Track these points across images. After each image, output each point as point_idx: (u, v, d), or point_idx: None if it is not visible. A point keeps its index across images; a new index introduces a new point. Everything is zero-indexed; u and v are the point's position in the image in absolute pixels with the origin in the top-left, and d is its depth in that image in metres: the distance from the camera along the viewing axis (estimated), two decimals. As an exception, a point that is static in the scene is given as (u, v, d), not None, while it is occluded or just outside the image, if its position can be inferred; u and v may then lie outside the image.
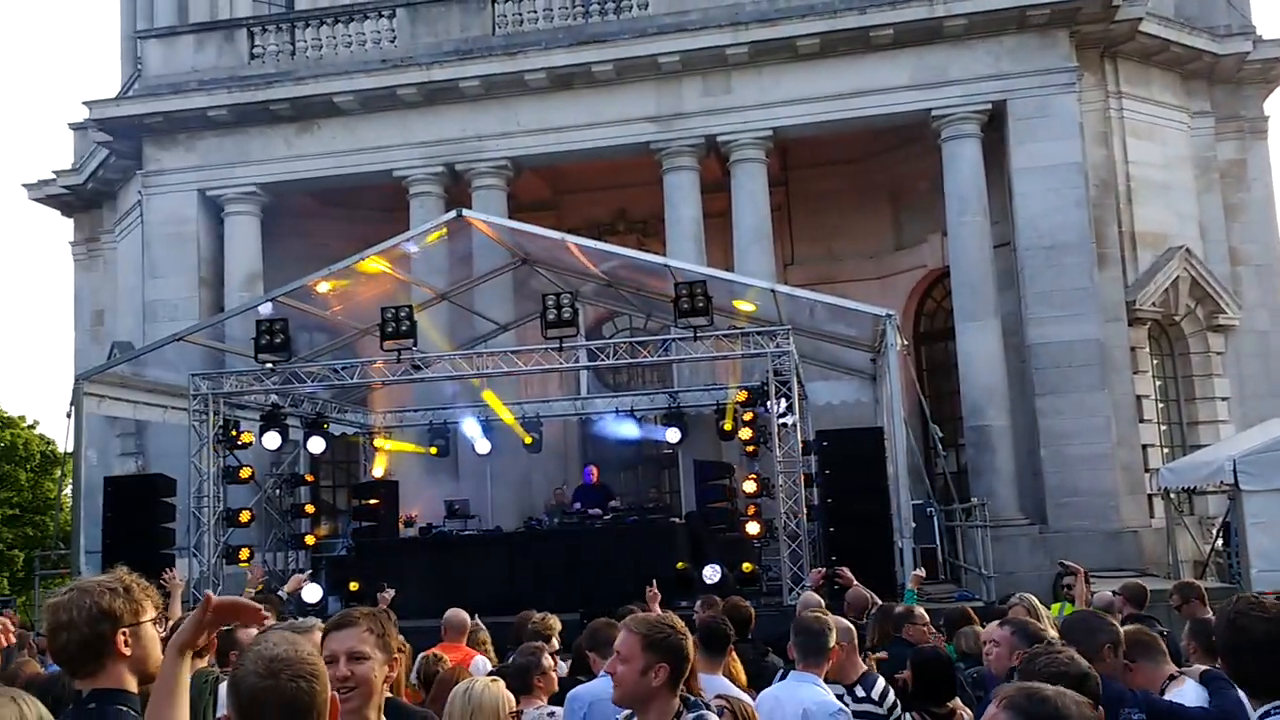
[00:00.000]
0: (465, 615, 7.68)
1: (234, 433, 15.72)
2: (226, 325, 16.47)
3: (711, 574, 13.67)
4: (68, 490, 22.13)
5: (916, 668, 5.69)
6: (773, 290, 14.72)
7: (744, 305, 15.19)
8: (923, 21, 18.47)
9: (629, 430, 19.19)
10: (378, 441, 19.48)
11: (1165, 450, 19.66)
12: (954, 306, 19.01)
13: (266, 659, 2.32)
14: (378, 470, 18.97)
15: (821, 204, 21.88)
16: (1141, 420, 19.13)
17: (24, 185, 25.56)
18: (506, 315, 19.08)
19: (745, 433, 16.69)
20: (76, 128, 25.38)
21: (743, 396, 17.03)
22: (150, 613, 2.82)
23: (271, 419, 16.40)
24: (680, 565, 13.72)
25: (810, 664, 5.10)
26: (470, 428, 18.91)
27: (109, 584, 2.77)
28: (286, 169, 20.48)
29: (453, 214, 15.03)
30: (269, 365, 14.89)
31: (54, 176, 25.26)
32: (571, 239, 15.37)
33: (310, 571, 14.57)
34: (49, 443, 35.77)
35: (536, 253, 16.88)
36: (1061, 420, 17.96)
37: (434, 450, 19.36)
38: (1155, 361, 20.19)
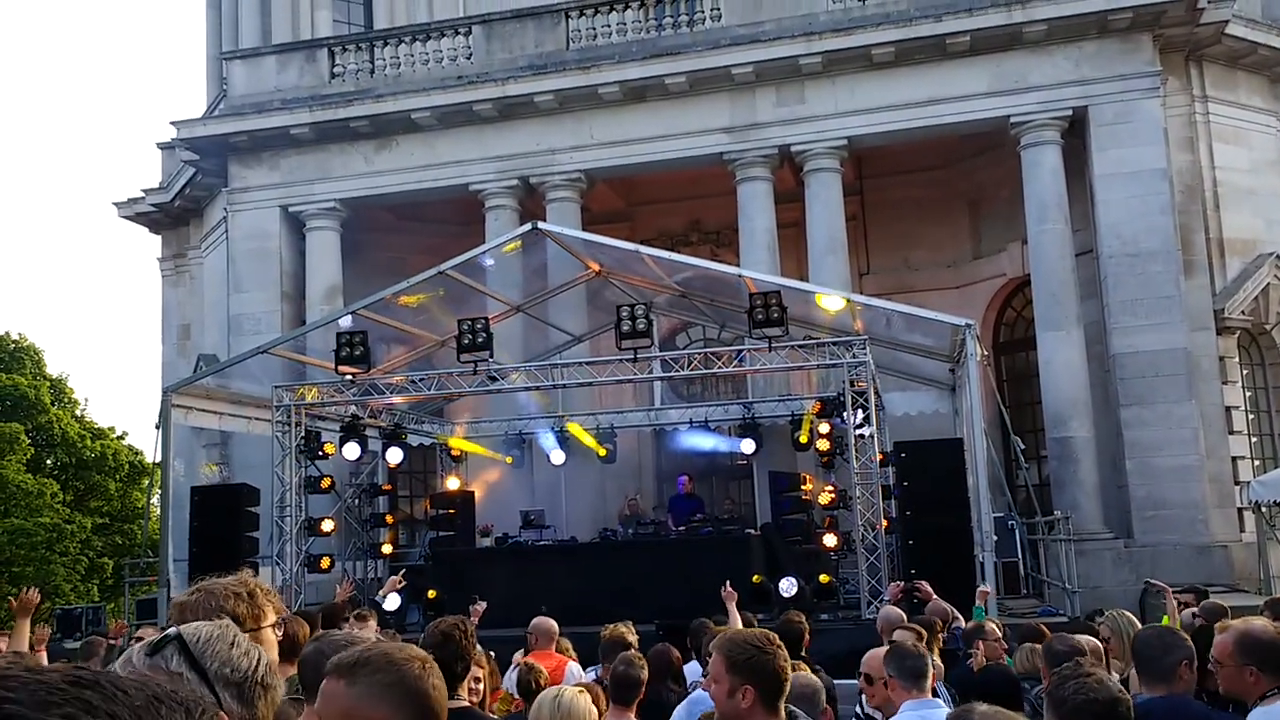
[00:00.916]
0: (553, 622, 7.73)
1: (316, 443, 16.02)
2: (308, 337, 16.81)
3: (788, 587, 13.56)
4: (155, 499, 22.73)
5: (981, 687, 5.57)
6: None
7: (831, 303, 14.91)
8: (1001, 28, 18.22)
9: (703, 441, 19.17)
10: (453, 441, 19.66)
11: (1256, 463, 19.07)
12: (1035, 315, 18.68)
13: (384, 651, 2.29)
14: (453, 483, 19.19)
15: (898, 213, 21.65)
16: (1231, 432, 18.60)
17: (114, 204, 26.32)
18: (581, 327, 19.19)
19: (822, 444, 16.56)
20: (164, 147, 26.08)
21: (818, 407, 16.91)
22: (270, 618, 2.80)
23: (351, 430, 16.70)
24: (756, 578, 13.64)
25: (919, 689, 4.92)
26: (545, 438, 19.06)
27: (234, 588, 2.77)
28: (366, 184, 20.86)
29: (528, 227, 15.18)
30: (349, 377, 15.16)
31: (142, 195, 25.99)
32: (646, 250, 15.43)
33: (405, 570, 14.79)
34: (137, 453, 36.73)
35: (610, 264, 16.96)
36: (1147, 431, 17.54)
37: (509, 460, 19.56)
38: (1245, 371, 19.63)
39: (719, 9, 19.55)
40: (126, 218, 26.29)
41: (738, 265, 17.72)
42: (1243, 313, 18.94)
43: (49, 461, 34.33)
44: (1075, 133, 18.51)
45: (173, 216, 25.64)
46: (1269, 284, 19.17)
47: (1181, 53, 19.19)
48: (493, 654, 6.43)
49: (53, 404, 34.61)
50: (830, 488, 15.42)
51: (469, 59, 20.56)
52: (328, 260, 21.15)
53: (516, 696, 6.28)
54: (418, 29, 21.54)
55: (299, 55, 21.60)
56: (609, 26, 20.05)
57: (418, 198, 21.19)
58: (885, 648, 5.35)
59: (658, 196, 22.04)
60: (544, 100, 19.73)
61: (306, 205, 21.13)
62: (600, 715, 4.88)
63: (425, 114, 20.20)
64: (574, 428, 18.76)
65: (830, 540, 15.00)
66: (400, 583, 12.64)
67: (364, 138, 20.73)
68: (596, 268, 17.02)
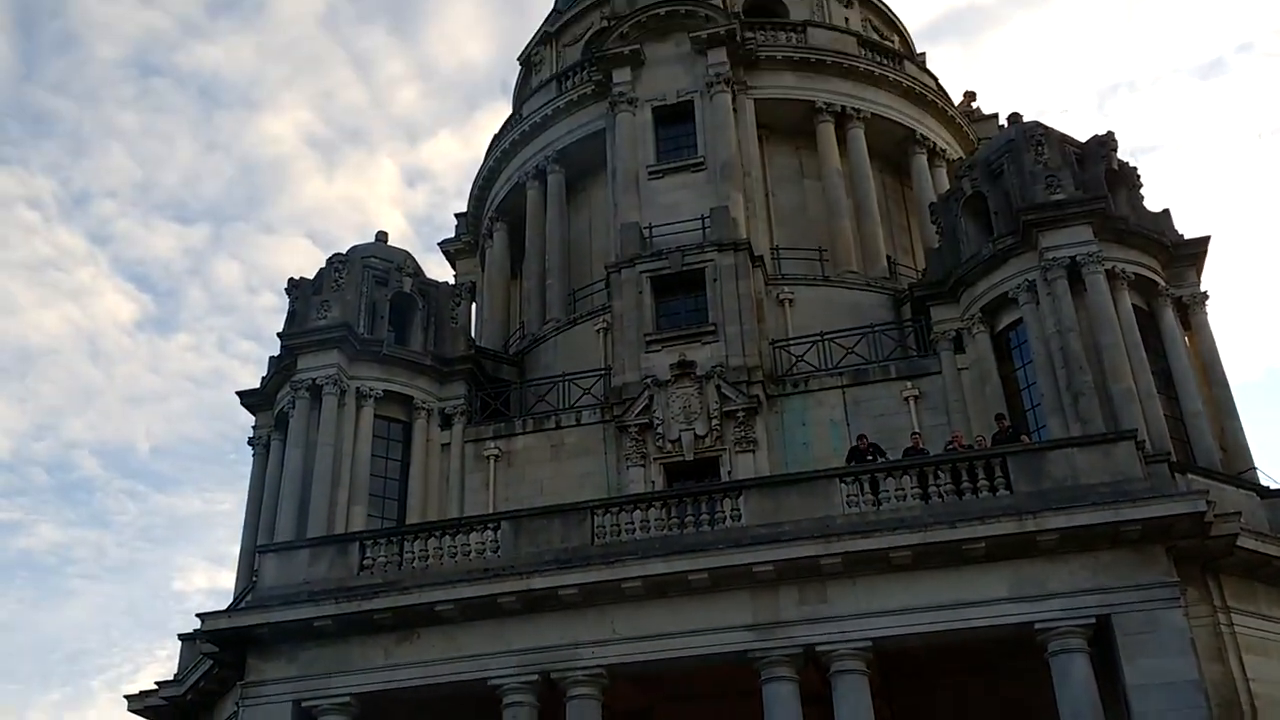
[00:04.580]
0: None
1: None
2: None
3: None
4: None
5: None
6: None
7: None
8: (1014, 536, 18.65)
9: None
10: None
11: None
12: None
13: None
14: None
15: (929, 721, 20.84)
16: None
17: (125, 695, 25.89)
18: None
19: None
20: (185, 638, 26.13)
21: None
22: None
23: None
24: None
25: None
26: None
27: None
28: (383, 678, 20.51)
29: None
30: None
31: (156, 687, 25.62)
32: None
33: None
34: None
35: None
36: None
37: None
38: None
39: (739, 510, 20.30)
40: (135, 710, 25.76)
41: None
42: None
43: None
44: (1102, 638, 18.28)
45: (183, 709, 25.08)
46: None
47: (1197, 564, 19.47)
48: None
49: None
50: None
51: (496, 552, 21.02)
52: (337, 766, 20.26)
53: None
54: (448, 524, 22.31)
55: (331, 548, 22.14)
56: (633, 523, 20.72)
57: (434, 693, 20.68)
58: None
59: (681, 693, 21.39)
60: (568, 594, 19.92)
61: (320, 700, 20.58)
62: None
63: (449, 606, 20.31)
64: None
65: None
66: None
67: (385, 630, 20.68)
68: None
